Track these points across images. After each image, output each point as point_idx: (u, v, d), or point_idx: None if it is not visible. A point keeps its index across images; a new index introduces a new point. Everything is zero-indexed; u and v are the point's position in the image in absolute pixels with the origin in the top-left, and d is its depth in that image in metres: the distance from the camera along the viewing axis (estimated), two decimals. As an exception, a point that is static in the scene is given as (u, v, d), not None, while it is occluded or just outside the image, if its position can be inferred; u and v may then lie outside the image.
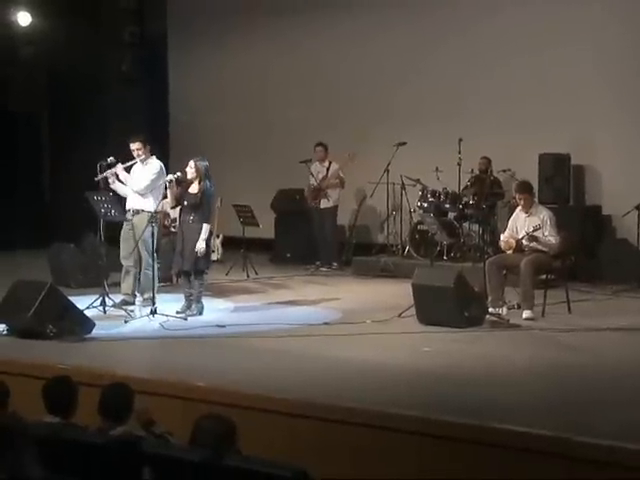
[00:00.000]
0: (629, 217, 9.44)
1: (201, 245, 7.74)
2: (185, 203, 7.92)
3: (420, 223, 10.28)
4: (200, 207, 7.83)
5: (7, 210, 12.44)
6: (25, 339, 6.89)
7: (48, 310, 6.94)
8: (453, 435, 4.78)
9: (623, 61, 9.97)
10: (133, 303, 8.13)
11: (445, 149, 10.37)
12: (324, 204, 10.87)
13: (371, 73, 11.57)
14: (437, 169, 10.34)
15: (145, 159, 8.22)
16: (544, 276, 7.85)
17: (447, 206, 10.28)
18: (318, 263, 10.86)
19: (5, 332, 7.17)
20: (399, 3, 11.33)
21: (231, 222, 10.66)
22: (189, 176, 7.88)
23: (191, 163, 7.89)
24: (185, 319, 7.72)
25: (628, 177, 9.89)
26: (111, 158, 8.16)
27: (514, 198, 8.38)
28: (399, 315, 7.67)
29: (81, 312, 7.25)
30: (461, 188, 10.38)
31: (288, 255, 11.36)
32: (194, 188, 7.89)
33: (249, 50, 12.48)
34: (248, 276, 10.22)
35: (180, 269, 8.02)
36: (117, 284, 8.38)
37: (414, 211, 10.62)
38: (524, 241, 7.77)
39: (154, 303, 7.72)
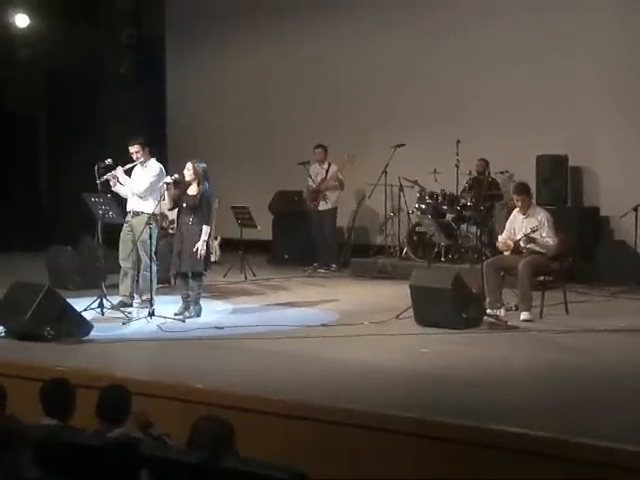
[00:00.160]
0: (627, 218, 9.46)
1: (201, 247, 7.74)
2: (184, 205, 7.92)
3: (418, 225, 10.29)
4: (199, 209, 7.83)
5: (5, 212, 12.44)
6: (23, 341, 6.88)
7: (46, 312, 6.93)
8: (451, 436, 4.78)
9: (621, 63, 9.99)
10: (131, 305, 8.14)
11: (443, 151, 10.38)
12: (323, 206, 10.88)
13: (372, 75, 11.58)
14: (435, 171, 10.36)
15: (144, 161, 8.23)
16: (542, 277, 7.85)
17: (445, 208, 10.29)
18: (316, 264, 10.86)
19: (3, 334, 7.16)
20: (400, 4, 11.34)
21: (229, 224, 10.66)
22: (187, 178, 7.88)
23: (188, 165, 7.89)
24: (183, 321, 7.72)
25: (626, 178, 9.90)
26: (109, 160, 8.16)
27: (512, 200, 8.39)
28: (397, 316, 7.67)
29: (79, 314, 7.25)
30: (459, 190, 10.39)
31: (286, 257, 11.37)
32: (193, 190, 7.88)
33: (247, 52, 12.49)
34: (246, 278, 10.22)
35: (177, 271, 8.02)
36: (115, 286, 8.37)
37: (412, 213, 10.63)
38: (522, 243, 7.78)
39: (152, 305, 7.72)
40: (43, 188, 13.62)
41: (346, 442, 5.00)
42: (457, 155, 10.20)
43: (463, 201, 10.27)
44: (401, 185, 10.69)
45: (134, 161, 8.22)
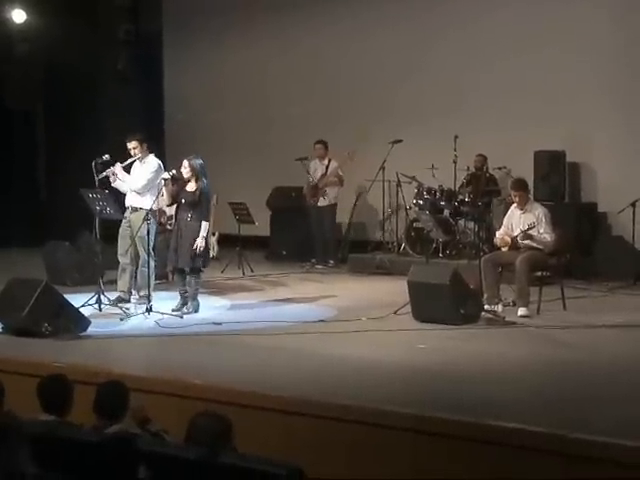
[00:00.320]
0: (624, 214, 9.46)
1: (200, 243, 7.74)
2: (182, 201, 7.91)
3: (416, 220, 10.29)
4: (198, 205, 7.82)
5: (2, 207, 12.43)
6: (20, 337, 6.88)
7: (43, 308, 6.93)
8: (448, 432, 4.78)
9: (618, 60, 9.98)
10: (128, 300, 8.14)
11: (441, 146, 10.38)
12: (322, 202, 10.87)
13: (370, 70, 11.57)
14: (433, 166, 10.35)
15: (142, 157, 8.22)
16: (539, 273, 7.86)
17: (443, 203, 10.29)
18: (313, 260, 10.86)
19: (0, 330, 7.16)
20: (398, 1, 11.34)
21: (227, 219, 10.65)
22: (185, 175, 7.87)
23: (185, 162, 7.88)
24: (181, 317, 7.72)
25: (623, 174, 9.90)
26: (106, 156, 8.16)
27: (509, 195, 8.39)
28: (395, 312, 7.67)
29: (76, 310, 7.24)
30: (457, 185, 10.38)
31: (284, 252, 11.37)
32: (191, 186, 7.88)
33: (245, 47, 12.47)
34: (244, 274, 10.22)
35: (174, 267, 8.01)
36: (113, 282, 8.36)
37: (410, 208, 10.63)
38: (519, 239, 7.78)
39: (150, 301, 7.72)
40: (41, 184, 13.61)
41: (344, 438, 5.00)
42: (455, 151, 10.19)
43: (461, 197, 10.27)
44: (399, 181, 10.69)
45: (132, 157, 8.21)
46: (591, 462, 4.39)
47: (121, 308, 7.87)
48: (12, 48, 12.79)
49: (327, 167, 10.87)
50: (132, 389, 4.54)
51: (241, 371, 5.98)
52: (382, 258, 10.43)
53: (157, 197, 8.00)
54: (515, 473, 4.57)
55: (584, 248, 9.56)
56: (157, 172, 8.14)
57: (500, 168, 10.34)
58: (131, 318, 7.63)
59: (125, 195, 8.27)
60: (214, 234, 10.49)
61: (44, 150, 13.53)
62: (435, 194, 10.29)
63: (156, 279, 8.32)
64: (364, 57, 11.61)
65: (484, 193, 10.32)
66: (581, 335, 7.07)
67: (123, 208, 8.21)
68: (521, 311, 7.63)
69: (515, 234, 7.81)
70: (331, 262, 10.83)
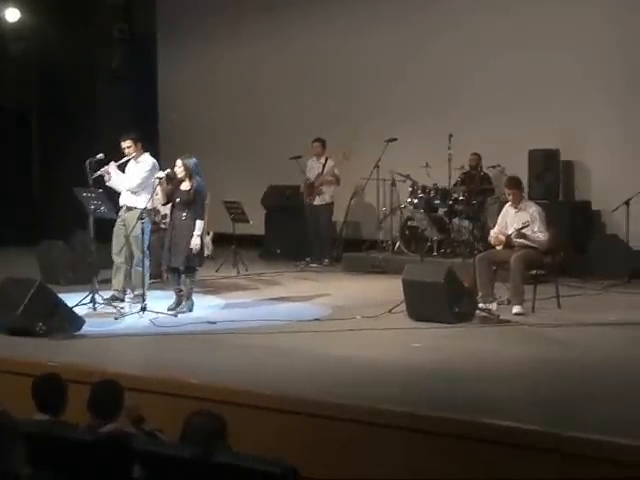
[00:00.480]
0: (618, 212, 9.48)
1: (196, 242, 7.73)
2: (177, 200, 7.91)
3: (410, 219, 10.29)
4: (193, 204, 7.82)
5: (-4, 206, 12.41)
6: (14, 337, 6.86)
7: (37, 307, 6.91)
8: (443, 431, 4.79)
9: (613, 58, 10.00)
10: (123, 299, 8.13)
11: (435, 145, 10.39)
12: (319, 201, 10.86)
13: (364, 69, 11.58)
14: (427, 165, 10.36)
15: (137, 156, 8.20)
16: (534, 271, 7.87)
17: (437, 202, 10.30)
18: (308, 259, 10.86)
19: (-6, 330, 7.14)
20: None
21: (221, 218, 10.65)
22: (179, 175, 7.87)
23: (178, 162, 7.88)
24: (175, 316, 7.71)
25: (617, 172, 9.92)
26: (100, 155, 8.14)
27: (504, 194, 8.40)
28: (389, 311, 7.67)
29: (70, 309, 7.23)
30: (451, 184, 10.39)
31: (278, 251, 11.36)
32: (186, 185, 7.87)
33: (239, 46, 12.46)
34: (238, 272, 10.22)
35: (168, 265, 8.01)
36: (107, 281, 8.35)
37: (404, 207, 10.63)
38: (513, 237, 7.79)
39: (144, 300, 7.71)
40: (35, 183, 13.59)
41: (339, 437, 5.00)
42: (449, 149, 10.20)
43: (455, 195, 10.28)
44: (393, 179, 10.69)
45: (127, 156, 8.19)
46: (586, 460, 4.40)
47: (115, 307, 7.86)
48: (6, 47, 12.77)
49: (324, 166, 10.87)
50: (127, 388, 4.53)
51: (236, 370, 5.98)
52: (376, 257, 10.43)
53: (152, 196, 7.99)
54: (510, 472, 4.58)
55: (578, 246, 9.58)
56: (152, 171, 8.12)
57: (494, 167, 10.36)
58: (126, 317, 7.62)
59: (119, 194, 8.26)
60: (209, 233, 10.49)
61: (38, 149, 13.51)
62: (430, 193, 10.29)
63: (150, 278, 8.31)
64: (358, 56, 11.62)
65: (478, 192, 10.33)
66: (575, 333, 7.08)
67: (117, 207, 8.20)
68: (516, 309, 7.64)
69: (509, 232, 7.82)
70: (326, 261, 10.84)
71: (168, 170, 7.93)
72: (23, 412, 4.25)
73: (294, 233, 11.22)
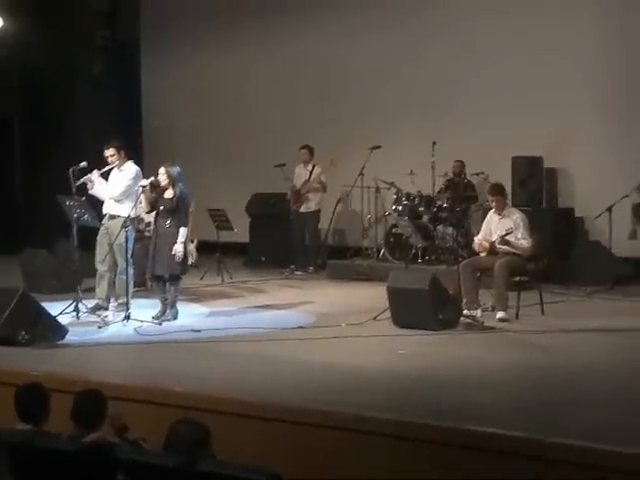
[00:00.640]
0: (601, 219, 9.53)
1: (178, 248, 7.71)
2: (161, 208, 7.89)
3: (395, 226, 10.31)
4: (177, 212, 7.81)
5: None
6: (-3, 346, 6.82)
7: (20, 317, 6.87)
8: (428, 438, 4.79)
9: (596, 66, 10.07)
10: (107, 308, 8.09)
11: (419, 152, 10.42)
12: (305, 208, 10.86)
13: (349, 76, 11.61)
14: (411, 172, 10.39)
15: (120, 165, 8.18)
16: (518, 278, 7.89)
17: (421, 209, 10.32)
18: (293, 267, 10.85)
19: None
20: (378, 5, 11.34)
21: (205, 226, 10.63)
22: (162, 183, 7.86)
23: (161, 170, 7.86)
24: (159, 324, 7.68)
25: (600, 179, 9.98)
26: (84, 163, 8.11)
27: (487, 201, 8.43)
28: (374, 318, 7.67)
29: (54, 318, 7.19)
30: (435, 191, 10.42)
31: (263, 259, 11.35)
32: (169, 193, 7.86)
33: (224, 53, 12.46)
34: (223, 280, 10.20)
35: (152, 273, 7.98)
36: (91, 289, 8.32)
37: (389, 214, 10.65)
38: (497, 244, 7.82)
39: (128, 308, 7.68)
40: (18, 190, 13.51)
41: (324, 444, 5.00)
42: (433, 157, 10.24)
43: (439, 202, 10.31)
44: (377, 187, 10.71)
45: (110, 164, 8.17)
46: (569, 466, 4.41)
47: (99, 316, 7.82)
48: (-12, 54, 12.71)
49: (311, 173, 10.87)
50: (110, 397, 4.51)
51: (220, 378, 5.96)
52: (360, 264, 10.44)
53: (135, 204, 7.96)
54: (494, 478, 4.58)
55: (562, 253, 9.62)
56: (135, 179, 8.10)
57: (478, 174, 10.40)
58: (109, 326, 7.59)
59: (102, 202, 8.23)
60: (193, 241, 10.46)
61: (20, 156, 13.44)
62: (414, 200, 10.32)
63: (134, 286, 8.28)
64: (344, 64, 11.64)
65: (462, 199, 10.37)
66: (559, 340, 7.11)
67: (101, 215, 8.17)
68: (499, 315, 7.66)
69: (493, 239, 7.85)
70: (310, 268, 10.83)
71: (152, 178, 7.91)
72: (5, 422, 4.23)
73: (279, 241, 11.21)
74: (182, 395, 5.53)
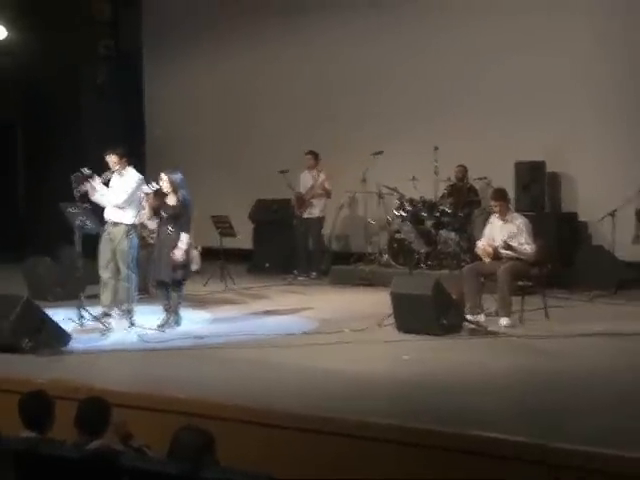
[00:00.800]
0: (604, 223, 9.53)
1: (179, 252, 7.71)
2: (164, 214, 7.90)
3: (398, 232, 10.32)
4: (179, 218, 7.82)
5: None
6: (0, 353, 6.82)
7: (24, 324, 6.88)
8: (431, 443, 4.79)
9: (599, 71, 10.07)
10: (110, 315, 8.09)
11: (422, 158, 10.43)
12: (309, 214, 10.87)
13: (350, 82, 11.63)
14: (414, 178, 10.39)
15: (122, 171, 8.18)
16: (521, 283, 7.89)
17: (424, 214, 10.33)
18: (296, 272, 10.85)
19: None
20: (380, 12, 11.37)
21: (209, 233, 10.64)
22: (164, 189, 7.87)
23: (163, 176, 7.86)
24: (163, 331, 7.69)
25: (603, 183, 9.98)
26: (86, 169, 8.12)
27: (490, 206, 8.43)
28: (379, 324, 7.67)
29: (58, 325, 7.19)
30: (438, 196, 10.43)
31: (266, 265, 11.36)
32: (172, 200, 7.87)
33: (226, 61, 12.50)
34: (226, 287, 10.20)
35: (154, 278, 7.99)
36: (95, 296, 8.32)
37: (392, 220, 10.65)
38: (500, 249, 7.82)
39: (132, 315, 7.68)
40: (21, 199, 13.54)
41: (327, 450, 5.00)
42: (435, 162, 10.25)
43: (442, 208, 10.32)
44: (380, 192, 10.72)
45: (112, 171, 8.18)
46: (572, 471, 4.41)
47: (103, 323, 7.83)
48: (-8, 63, 12.75)
49: (315, 178, 10.88)
50: (114, 404, 4.52)
51: (223, 384, 5.97)
52: (363, 269, 10.44)
53: (139, 211, 7.97)
54: (498, 483, 4.58)
55: (565, 258, 9.62)
56: (138, 186, 8.10)
57: (481, 179, 10.40)
58: (113, 333, 7.59)
59: (104, 209, 8.23)
60: (196, 247, 10.47)
61: (24, 165, 13.48)
62: (416, 205, 10.32)
63: (138, 293, 8.28)
64: (345, 69, 11.66)
65: (465, 204, 10.37)
66: (563, 344, 7.10)
67: (103, 222, 8.18)
68: (503, 321, 7.66)
69: (496, 244, 7.85)
70: (313, 274, 10.83)
71: (155, 184, 7.92)
72: (10, 429, 4.23)
73: (282, 247, 11.22)
74: (185, 402, 5.53)
